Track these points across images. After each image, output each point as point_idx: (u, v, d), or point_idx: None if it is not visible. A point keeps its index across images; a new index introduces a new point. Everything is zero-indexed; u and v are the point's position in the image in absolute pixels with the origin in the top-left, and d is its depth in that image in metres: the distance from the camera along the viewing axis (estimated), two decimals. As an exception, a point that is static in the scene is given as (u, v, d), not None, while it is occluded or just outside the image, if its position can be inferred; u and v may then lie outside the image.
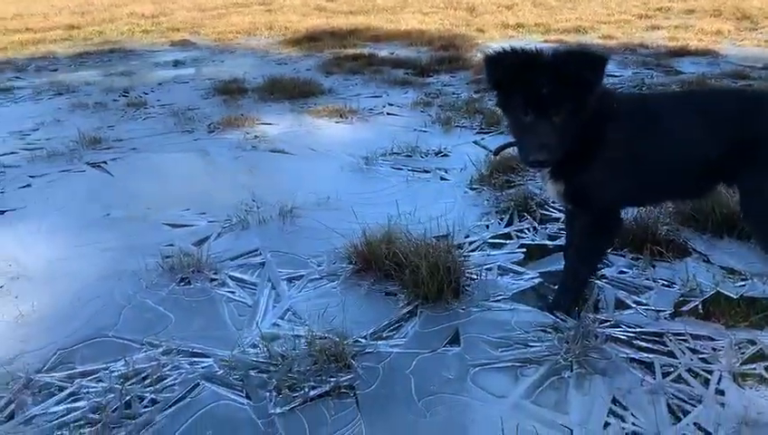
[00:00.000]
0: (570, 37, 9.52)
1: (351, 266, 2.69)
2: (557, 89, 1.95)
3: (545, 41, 9.17)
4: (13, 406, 1.93)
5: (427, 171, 3.93)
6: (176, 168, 4.14)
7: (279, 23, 11.84)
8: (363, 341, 2.19)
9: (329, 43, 9.38)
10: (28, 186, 3.85)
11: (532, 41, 9.11)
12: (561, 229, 2.93)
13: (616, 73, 6.68)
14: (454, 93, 6.10)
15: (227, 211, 3.32)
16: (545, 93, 1.95)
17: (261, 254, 2.87)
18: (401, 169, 3.97)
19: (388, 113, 5.42)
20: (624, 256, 2.72)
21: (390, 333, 2.25)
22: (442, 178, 3.80)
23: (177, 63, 8.23)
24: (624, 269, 2.63)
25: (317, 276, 2.67)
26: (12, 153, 4.49)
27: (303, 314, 2.39)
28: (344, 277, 2.64)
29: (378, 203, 3.42)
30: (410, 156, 4.21)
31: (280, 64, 8.08)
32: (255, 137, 4.76)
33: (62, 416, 1.88)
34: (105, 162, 4.24)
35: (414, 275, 2.46)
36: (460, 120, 5.01)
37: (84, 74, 7.66)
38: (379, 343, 2.18)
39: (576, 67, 1.98)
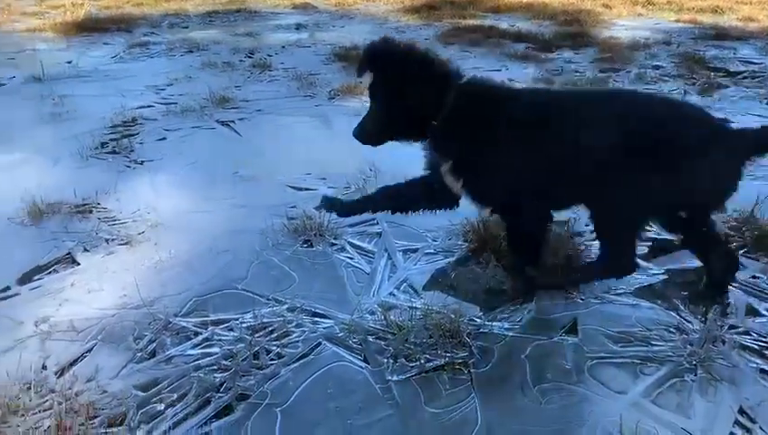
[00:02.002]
0: (705, 17, 8.89)
1: (467, 245, 2.71)
2: (374, 80, 2.20)
3: (677, 20, 8.62)
4: (154, 345, 2.11)
5: (546, 152, 3.84)
6: (298, 132, 4.28)
7: (397, -11, 11.79)
8: (478, 320, 2.22)
9: (448, 12, 9.26)
10: (164, 139, 4.12)
11: (662, 20, 8.60)
12: (690, 225, 2.80)
13: (755, 60, 6.19)
14: (577, 72, 5.88)
15: (346, 178, 3.42)
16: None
17: (378, 223, 2.93)
18: (519, 149, 3.91)
19: (507, 89, 5.32)
20: (758, 260, 2.57)
21: (505, 316, 2.26)
22: (562, 161, 3.70)
23: (299, 27, 8.41)
24: (757, 274, 2.48)
25: (432, 251, 2.70)
26: (149, 106, 4.80)
27: (418, 287, 2.44)
28: (459, 255, 2.66)
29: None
30: (529, 135, 4.13)
31: (399, 32, 8.06)
32: (373, 105, 4.81)
33: (197, 359, 2.04)
34: (233, 121, 4.45)
35: (532, 260, 2.45)
36: (583, 101, 4.84)
37: (212, 33, 8.01)
38: (494, 324, 2.20)
39: (377, 62, 2.17)
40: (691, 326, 2.16)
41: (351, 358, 2.04)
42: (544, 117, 2.12)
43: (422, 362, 2.00)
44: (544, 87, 2.06)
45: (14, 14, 9.44)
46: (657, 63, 6.08)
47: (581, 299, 2.32)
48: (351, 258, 2.65)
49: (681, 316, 2.22)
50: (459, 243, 2.73)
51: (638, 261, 2.32)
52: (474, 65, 6.11)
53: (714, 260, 2.31)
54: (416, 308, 2.25)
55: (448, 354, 2.03)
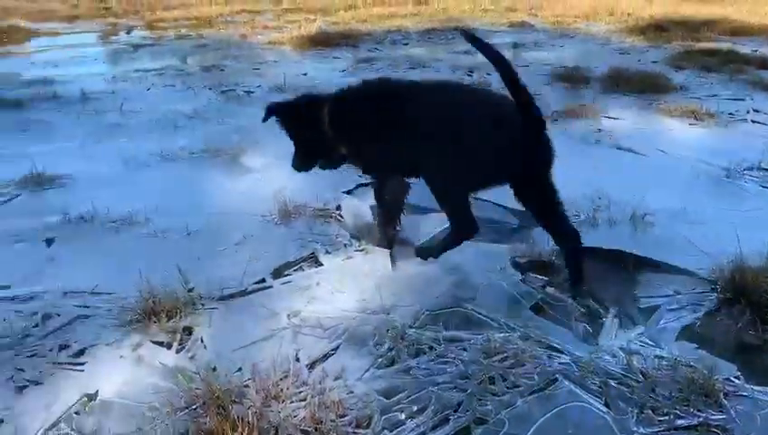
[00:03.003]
0: None
1: (716, 295, 2.48)
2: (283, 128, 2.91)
3: None
4: (393, 353, 2.19)
5: (806, 197, 3.41)
6: (520, 153, 4.24)
7: (621, 8, 11.28)
8: (736, 380, 2.01)
9: (677, 34, 8.67)
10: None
11: None
12: None
13: None
14: (840, 106, 5.16)
15: (573, 205, 3.30)
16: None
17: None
18: (772, 189, 3.52)
19: (753, 121, 4.83)
20: None
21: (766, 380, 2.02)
22: (828, 208, 3.26)
23: (516, 45, 8.40)
24: None
25: (676, 306, 2.48)
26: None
27: (662, 336, 2.27)
28: (708, 306, 2.44)
29: (743, 224, 3.06)
30: (785, 175, 3.70)
31: (622, 54, 7.71)
32: (599, 130, 4.64)
33: (433, 374, 2.08)
34: (455, 138, 4.53)
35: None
36: None
37: (431, 50, 8.28)
38: (756, 388, 1.98)
39: (277, 116, 2.87)
40: None
41: (591, 400, 1.95)
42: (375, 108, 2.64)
43: (671, 417, 1.86)
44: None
45: (258, 28, 10.58)
46: None
47: None
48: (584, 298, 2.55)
49: None
50: (707, 292, 2.50)
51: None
52: (712, 93, 5.64)
53: (557, 234, 2.61)
54: (662, 357, 2.10)
55: (702, 414, 1.86)
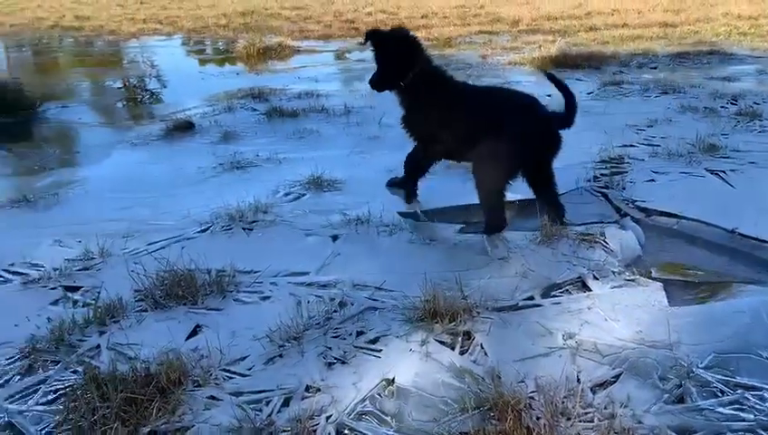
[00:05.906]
0: None
1: None
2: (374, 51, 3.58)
3: None
4: (680, 390, 2.11)
5: None
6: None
7: None
8: None
9: None
10: (652, 180, 4.15)
11: None
12: None
13: None
14: None
15: None
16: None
17: None
18: None
19: None
20: None
21: None
22: None
23: (787, 74, 7.56)
24: None
25: None
26: (632, 146, 4.90)
27: None
28: None
29: None
30: None
31: None
32: None
33: (728, 419, 1.97)
34: (724, 172, 4.22)
35: None
36: None
37: (683, 75, 7.76)
38: None
39: (376, 38, 3.54)
40: None
41: None
42: (453, 98, 3.52)
43: None
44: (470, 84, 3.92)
45: (497, 49, 10.75)
46: None
47: None
48: None
49: None
50: None
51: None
52: None
53: (551, 207, 3.44)
54: None
55: None
